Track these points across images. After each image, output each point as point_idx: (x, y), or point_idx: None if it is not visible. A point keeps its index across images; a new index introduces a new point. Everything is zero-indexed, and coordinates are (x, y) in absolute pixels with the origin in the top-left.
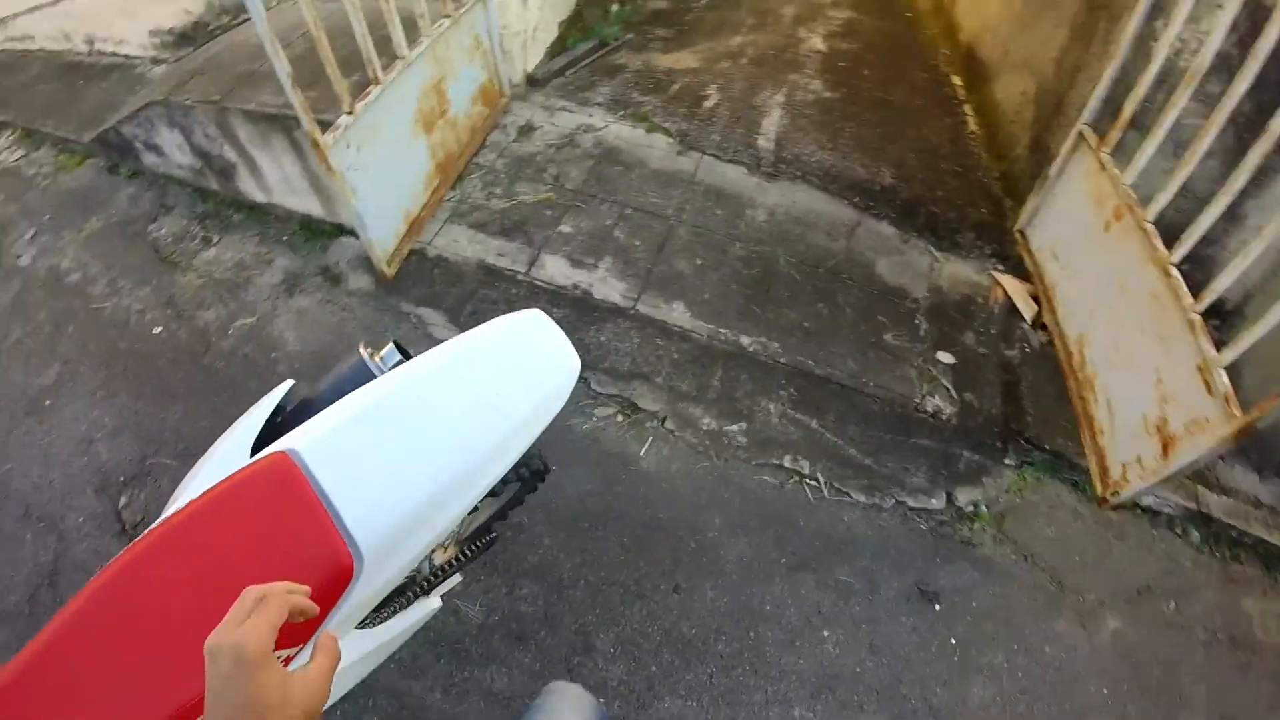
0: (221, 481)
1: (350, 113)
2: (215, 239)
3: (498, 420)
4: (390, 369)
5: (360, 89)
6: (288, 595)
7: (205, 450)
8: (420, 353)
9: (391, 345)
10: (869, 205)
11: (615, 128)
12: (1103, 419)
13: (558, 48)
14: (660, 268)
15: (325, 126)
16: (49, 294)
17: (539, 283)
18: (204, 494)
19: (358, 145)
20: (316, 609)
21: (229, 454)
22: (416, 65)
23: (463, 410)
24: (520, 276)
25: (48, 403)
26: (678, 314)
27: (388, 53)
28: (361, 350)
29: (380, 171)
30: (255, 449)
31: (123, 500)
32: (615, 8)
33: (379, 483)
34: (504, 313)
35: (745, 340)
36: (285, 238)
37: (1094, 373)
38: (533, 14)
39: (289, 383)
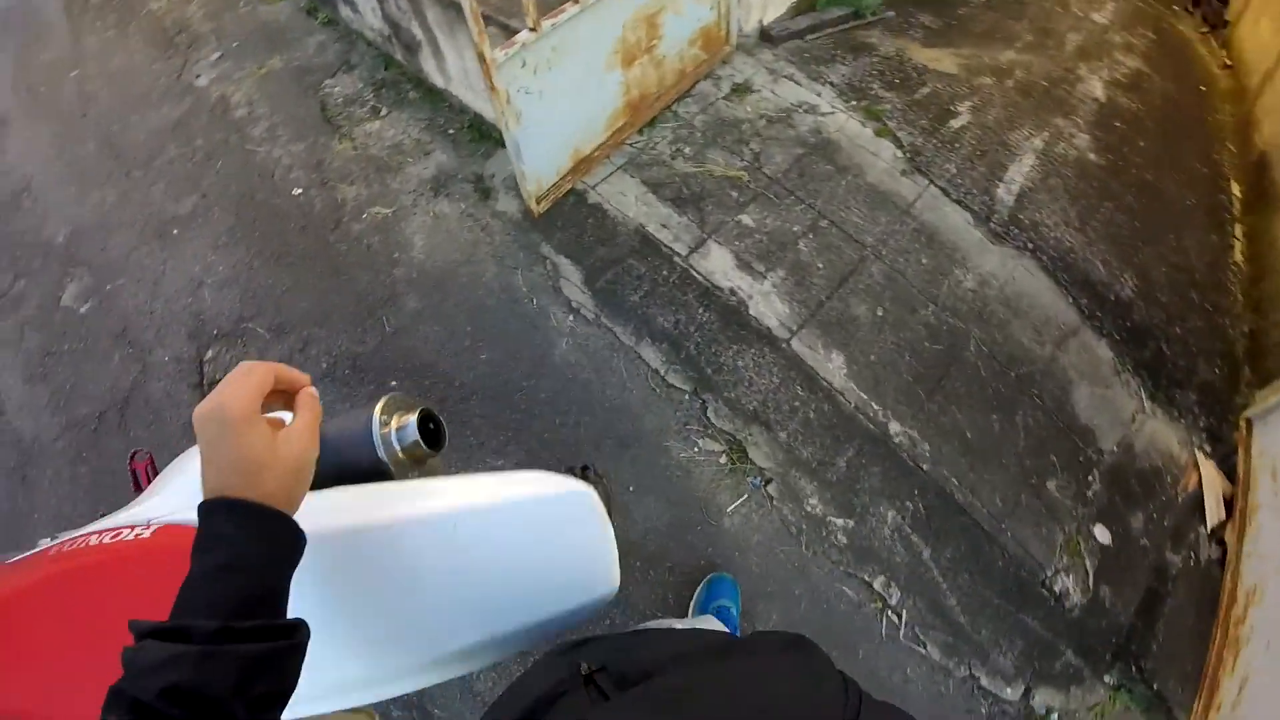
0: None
1: (534, 29)
2: (384, 111)
3: (475, 627)
4: (403, 450)
5: (555, 3)
6: (274, 364)
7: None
8: (446, 437)
9: (413, 420)
10: (1095, 314)
11: (841, 118)
12: (1228, 696)
13: (804, 4)
14: (834, 304)
15: (510, 33)
16: (212, 122)
17: (695, 273)
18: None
19: (535, 67)
20: (306, 377)
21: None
22: None
23: (438, 597)
24: (677, 259)
25: (175, 232)
26: (833, 367)
27: None
28: (376, 413)
29: (556, 101)
30: None
31: (209, 353)
32: None
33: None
34: (639, 299)
35: (894, 427)
36: (451, 131)
37: (1247, 639)
38: None
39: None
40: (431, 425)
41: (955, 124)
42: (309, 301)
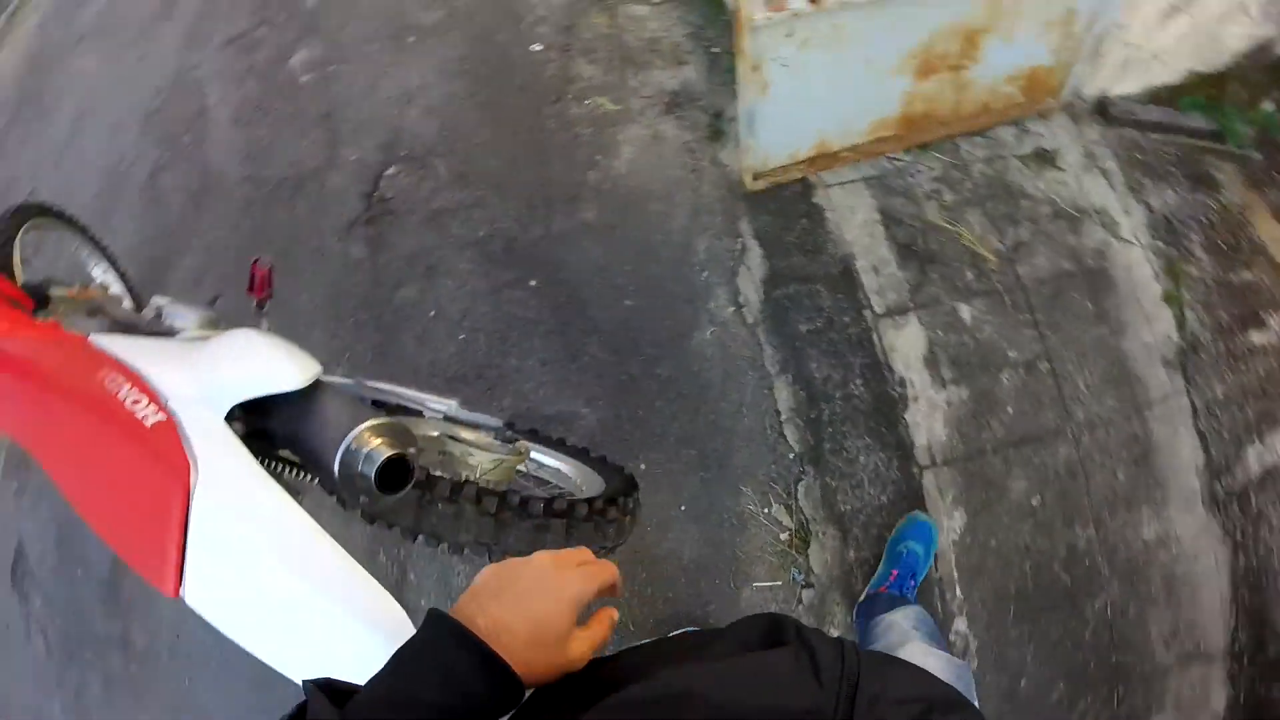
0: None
1: (815, 2)
2: None
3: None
4: (356, 470)
5: None
6: (614, 572)
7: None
8: None
9: (384, 455)
10: (1243, 657)
11: (1135, 254)
12: None
13: (1164, 95)
14: (996, 461)
15: None
16: None
17: (877, 340)
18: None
19: (804, 41)
20: (620, 594)
21: (211, 389)
22: None
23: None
24: (867, 314)
25: (411, 40)
26: (948, 524)
27: None
28: (367, 425)
29: (816, 83)
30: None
31: (390, 170)
32: (1273, 109)
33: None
34: (804, 331)
35: (960, 624)
36: (716, 50)
37: None
38: (1166, 37)
39: (315, 369)
40: (398, 472)
41: (1256, 338)
42: (497, 163)
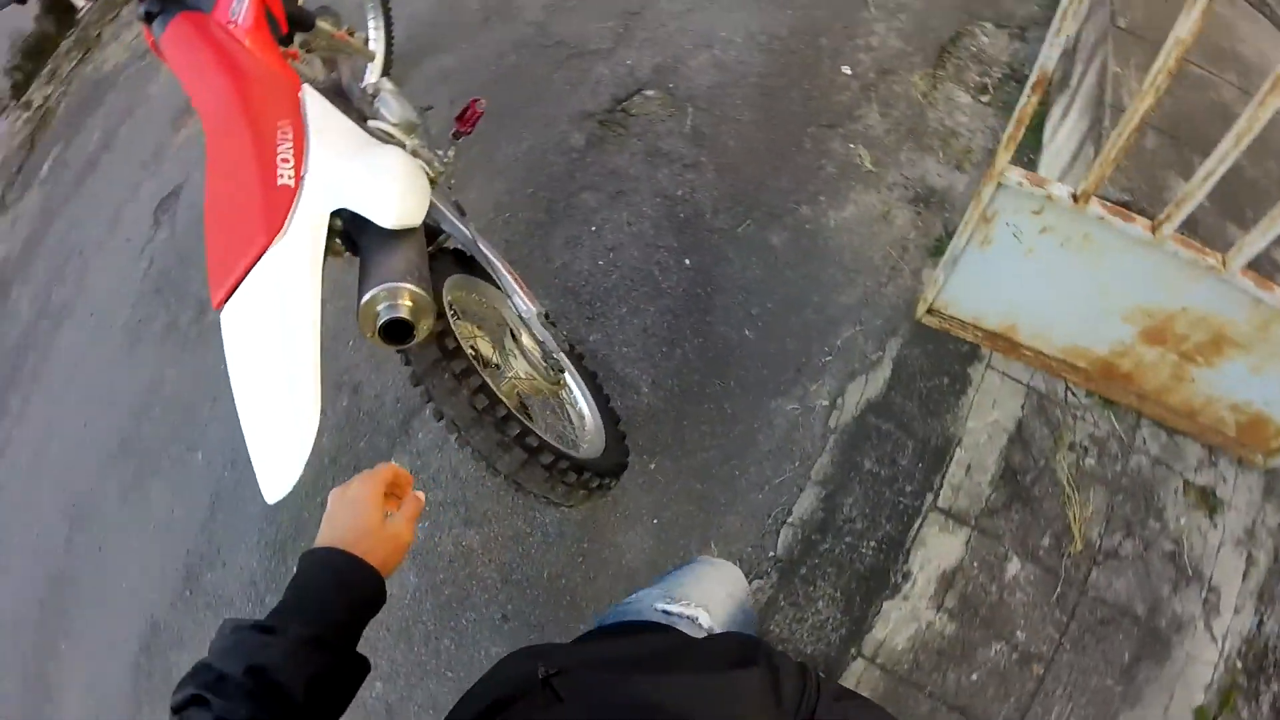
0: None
1: (1079, 203)
2: (986, 95)
3: None
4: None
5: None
6: (393, 466)
7: None
8: None
9: (380, 310)
10: None
11: (1209, 653)
12: None
13: None
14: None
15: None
16: None
17: (914, 534)
18: None
19: (1046, 226)
20: (412, 479)
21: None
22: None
23: None
24: (927, 498)
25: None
26: None
27: None
28: (379, 290)
29: (1039, 271)
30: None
31: (649, 91)
32: None
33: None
34: (864, 474)
35: None
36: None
37: None
38: None
39: (412, 220)
40: (400, 331)
41: None
42: (736, 145)
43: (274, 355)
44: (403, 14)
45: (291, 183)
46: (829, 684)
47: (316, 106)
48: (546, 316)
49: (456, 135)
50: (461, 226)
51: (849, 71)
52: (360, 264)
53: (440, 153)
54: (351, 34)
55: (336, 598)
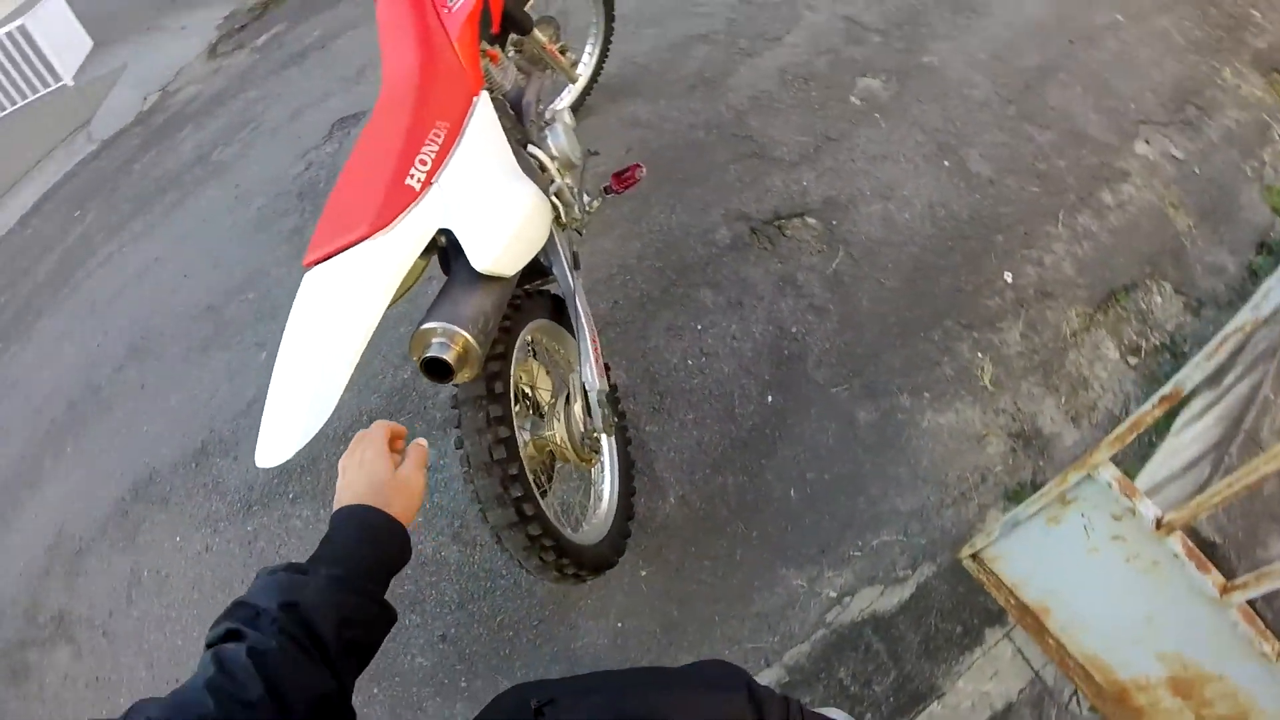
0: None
1: (1161, 529)
2: (1144, 346)
3: None
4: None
5: None
6: (388, 423)
7: None
8: None
9: (422, 355)
10: None
11: None
12: None
13: None
14: None
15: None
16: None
17: None
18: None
19: (1117, 535)
20: (404, 432)
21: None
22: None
23: None
24: None
25: (946, 163)
26: None
27: None
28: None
29: (1094, 574)
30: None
31: (809, 219)
32: None
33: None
34: (836, 685)
35: None
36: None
37: None
38: None
39: (505, 272)
40: (439, 369)
41: None
42: (868, 308)
43: (323, 339)
44: (621, 50)
45: (418, 187)
46: (812, 713)
47: (482, 118)
48: (610, 394)
49: (608, 190)
50: (569, 277)
51: (1009, 279)
52: (442, 287)
53: (585, 199)
54: (564, 51)
55: (362, 544)
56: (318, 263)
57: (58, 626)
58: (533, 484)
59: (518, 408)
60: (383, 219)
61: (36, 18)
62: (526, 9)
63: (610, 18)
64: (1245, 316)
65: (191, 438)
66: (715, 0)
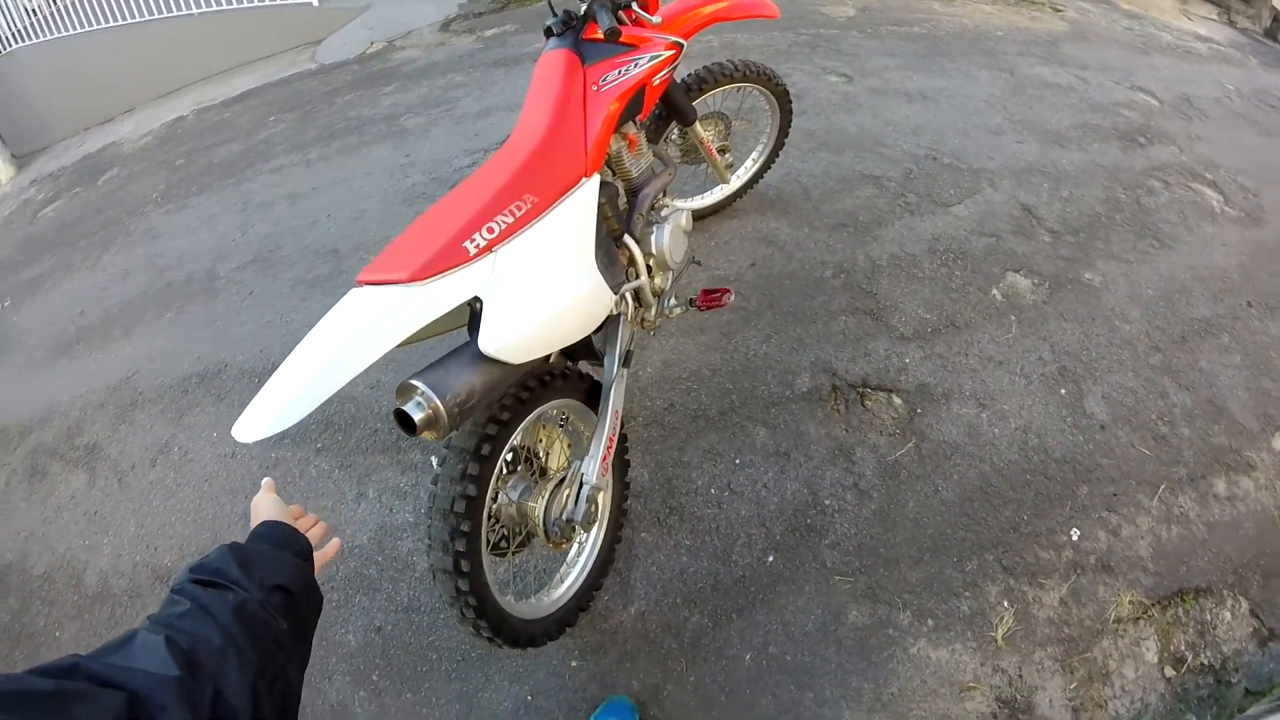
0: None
1: None
2: (1187, 660)
3: None
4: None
5: None
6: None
7: None
8: None
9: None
10: None
11: None
12: None
13: None
14: None
15: None
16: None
17: None
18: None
19: None
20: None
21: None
22: None
23: None
24: None
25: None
26: None
27: None
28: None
29: None
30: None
31: (895, 400)
32: None
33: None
34: None
35: None
36: None
37: None
38: None
39: (509, 357)
40: (405, 422)
41: None
42: (911, 509)
43: (329, 353)
44: (791, 164)
45: (473, 251)
46: None
47: (579, 201)
48: (623, 491)
49: (692, 303)
50: (613, 370)
51: (1075, 537)
52: (455, 349)
53: (669, 305)
54: (723, 151)
55: (271, 535)
56: (363, 284)
57: (86, 454)
58: (485, 542)
59: (521, 468)
60: (424, 272)
61: None
62: (699, 102)
63: (784, 132)
64: None
65: (266, 355)
66: (903, 148)
